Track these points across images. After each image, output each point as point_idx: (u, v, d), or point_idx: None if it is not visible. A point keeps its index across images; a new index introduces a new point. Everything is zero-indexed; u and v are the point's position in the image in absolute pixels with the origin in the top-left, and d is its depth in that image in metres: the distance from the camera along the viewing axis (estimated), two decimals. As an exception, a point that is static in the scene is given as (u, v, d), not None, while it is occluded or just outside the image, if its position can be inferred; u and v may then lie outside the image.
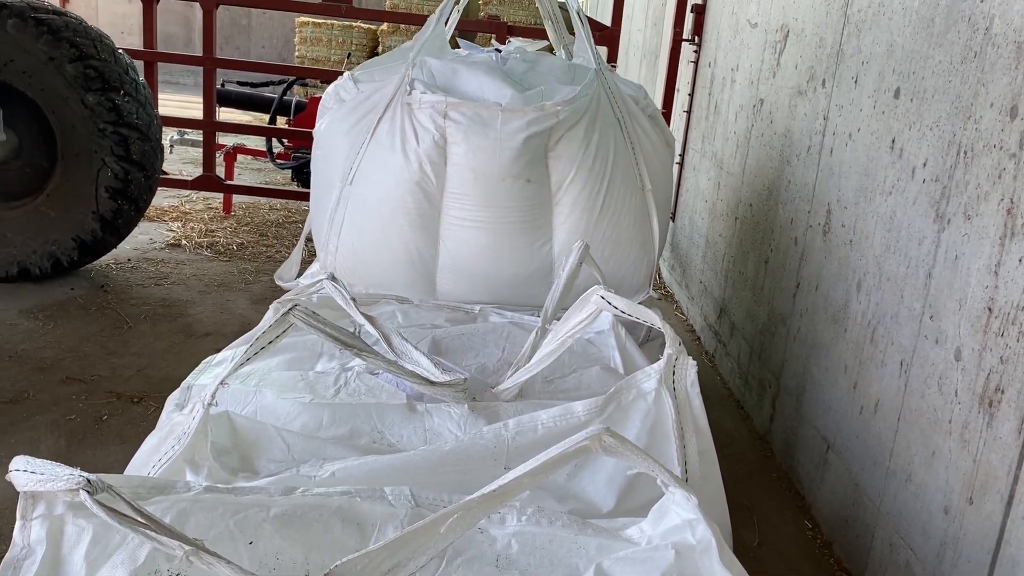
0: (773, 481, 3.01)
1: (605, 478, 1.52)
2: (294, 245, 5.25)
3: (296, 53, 13.03)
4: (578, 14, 2.80)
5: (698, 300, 4.54)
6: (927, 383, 2.13)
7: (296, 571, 1.12)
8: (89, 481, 1.05)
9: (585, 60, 2.86)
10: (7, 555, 1.13)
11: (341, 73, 7.12)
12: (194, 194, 6.16)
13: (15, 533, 1.15)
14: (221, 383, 1.50)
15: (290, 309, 1.55)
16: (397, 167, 2.47)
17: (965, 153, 2.04)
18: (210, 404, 1.49)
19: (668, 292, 5.24)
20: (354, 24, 12.63)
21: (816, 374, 2.84)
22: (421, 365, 1.75)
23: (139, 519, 1.04)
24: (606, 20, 5.53)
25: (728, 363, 3.85)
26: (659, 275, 5.54)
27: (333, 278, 1.97)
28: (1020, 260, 1.79)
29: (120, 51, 4.18)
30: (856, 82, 2.72)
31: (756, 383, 3.43)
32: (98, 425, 2.91)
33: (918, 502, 2.12)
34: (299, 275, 3.07)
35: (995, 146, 1.91)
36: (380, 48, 12.56)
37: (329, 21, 12.56)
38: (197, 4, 5.09)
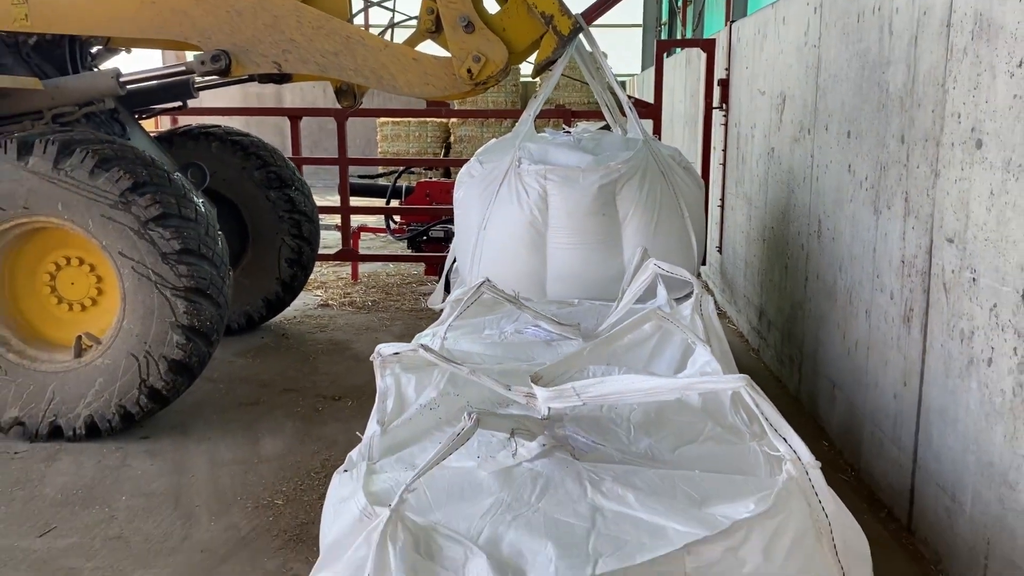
0: (802, 424, 4.07)
1: (666, 363, 2.67)
2: (415, 300, 6.56)
3: (379, 149, 14.73)
4: (628, 104, 4.05)
5: (744, 311, 5.64)
6: (879, 319, 3.23)
7: (522, 382, 2.28)
8: (424, 345, 2.26)
9: (635, 134, 4.09)
10: (378, 390, 2.33)
11: (437, 159, 8.74)
12: (326, 268, 7.58)
13: (378, 382, 2.35)
14: (451, 323, 2.72)
15: (480, 285, 2.77)
16: (515, 214, 3.71)
17: (883, 168, 3.18)
18: (445, 338, 2.71)
19: (721, 311, 6.34)
20: (428, 120, 14.25)
21: (823, 338, 3.93)
22: (552, 320, 2.95)
23: (446, 359, 2.24)
24: (650, 98, 6.81)
25: (768, 351, 4.94)
26: (714, 299, 6.65)
27: (488, 281, 3.19)
28: (912, 228, 2.92)
29: (288, 158, 5.60)
30: (827, 129, 3.89)
31: (787, 359, 4.52)
32: (318, 413, 4.17)
33: (880, 397, 3.20)
34: (444, 300, 4.31)
35: (896, 161, 3.06)
36: (452, 138, 14.15)
37: (406, 120, 14.23)
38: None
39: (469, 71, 3.97)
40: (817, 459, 1.73)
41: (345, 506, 1.82)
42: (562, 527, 1.69)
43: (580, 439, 2.07)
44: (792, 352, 4.43)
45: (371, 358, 2.39)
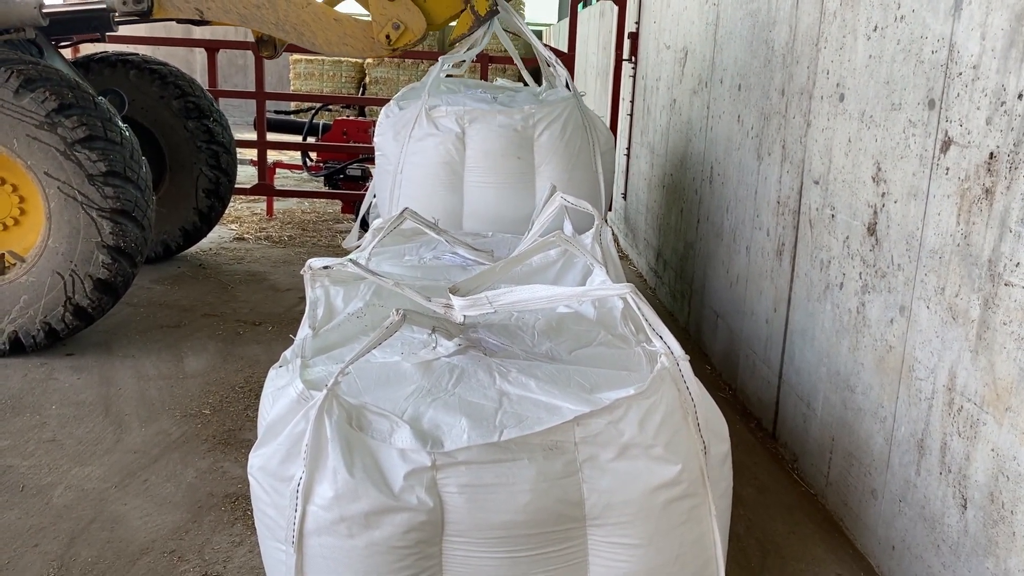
0: (689, 351, 4.47)
1: (569, 284, 2.99)
2: (331, 237, 6.72)
3: (292, 87, 14.54)
4: (555, 65, 4.27)
5: (644, 253, 6.04)
6: (757, 254, 3.63)
7: (441, 296, 2.56)
8: (352, 260, 2.51)
9: (555, 95, 4.30)
10: (308, 300, 2.57)
11: (355, 97, 8.78)
12: (240, 203, 7.62)
13: (308, 292, 2.58)
14: (373, 248, 2.96)
15: (403, 212, 3.02)
16: (433, 154, 3.94)
17: (767, 118, 3.55)
18: (368, 262, 2.95)
19: (624, 254, 6.74)
20: (343, 60, 14.13)
21: (710, 274, 4.33)
22: (468, 246, 3.23)
23: (373, 272, 2.49)
24: (563, 47, 7.06)
25: (663, 289, 5.35)
26: (617, 244, 7.04)
27: (409, 209, 3.43)
28: (787, 172, 3.30)
29: (206, 90, 5.64)
30: (721, 82, 4.24)
31: (679, 294, 4.93)
32: (239, 336, 4.35)
33: (755, 324, 3.62)
34: (359, 239, 4.51)
35: (777, 112, 3.43)
36: (367, 79, 14.09)
37: (321, 58, 14.07)
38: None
39: (388, 37, 4.17)
40: (700, 379, 2.07)
41: (283, 392, 2.06)
42: (474, 407, 1.99)
43: (491, 341, 2.36)
44: (683, 288, 4.84)
45: (302, 271, 2.62)
